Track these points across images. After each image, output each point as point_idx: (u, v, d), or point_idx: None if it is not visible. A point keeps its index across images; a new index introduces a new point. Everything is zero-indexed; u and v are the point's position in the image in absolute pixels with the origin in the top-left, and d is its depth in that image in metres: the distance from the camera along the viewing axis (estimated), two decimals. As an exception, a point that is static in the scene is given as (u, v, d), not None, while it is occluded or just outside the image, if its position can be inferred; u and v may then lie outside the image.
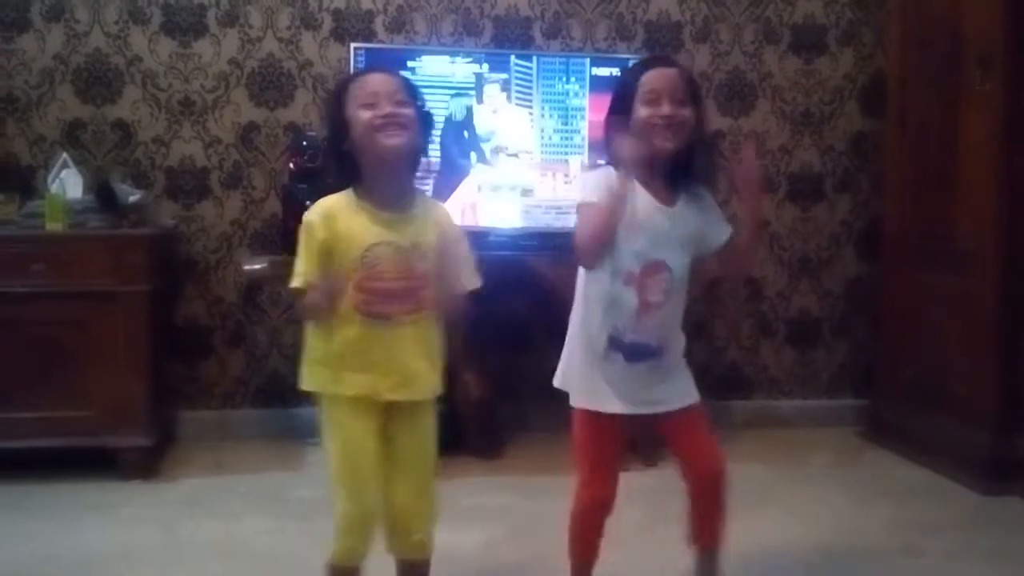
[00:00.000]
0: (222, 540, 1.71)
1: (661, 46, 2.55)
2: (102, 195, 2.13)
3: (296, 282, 1.20)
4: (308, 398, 2.65)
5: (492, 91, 2.35)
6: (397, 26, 2.47)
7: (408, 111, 1.20)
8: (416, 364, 1.22)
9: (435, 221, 1.25)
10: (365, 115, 1.19)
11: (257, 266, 2.24)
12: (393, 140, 1.19)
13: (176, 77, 2.40)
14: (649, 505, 1.73)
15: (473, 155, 2.35)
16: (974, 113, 2.13)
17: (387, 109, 1.18)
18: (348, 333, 1.20)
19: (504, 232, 2.36)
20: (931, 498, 2.01)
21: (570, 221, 2.34)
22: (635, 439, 1.33)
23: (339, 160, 1.23)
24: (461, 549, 1.62)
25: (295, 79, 2.44)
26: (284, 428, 2.42)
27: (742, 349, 2.66)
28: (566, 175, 2.38)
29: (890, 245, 2.49)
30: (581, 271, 1.28)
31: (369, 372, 1.20)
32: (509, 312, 2.43)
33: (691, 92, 1.23)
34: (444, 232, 1.24)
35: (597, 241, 1.19)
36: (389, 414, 1.24)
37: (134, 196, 2.20)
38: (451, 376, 2.26)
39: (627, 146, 1.17)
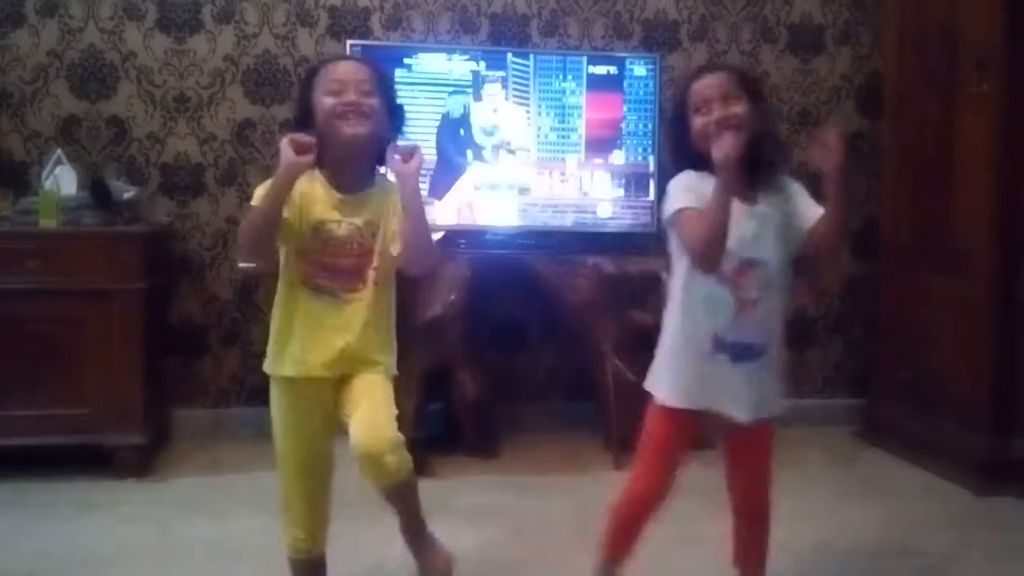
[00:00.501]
0: (216, 539, 1.71)
1: (658, 45, 2.55)
2: (96, 192, 2.12)
3: (253, 201, 1.19)
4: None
5: (489, 89, 2.34)
6: (394, 23, 2.46)
7: (371, 101, 1.22)
8: (356, 341, 1.23)
9: (391, 202, 1.25)
10: (328, 101, 1.21)
11: (252, 264, 2.23)
12: (352, 129, 1.21)
13: (171, 73, 2.39)
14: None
15: (469, 153, 2.35)
16: (971, 114, 2.13)
17: (350, 98, 1.21)
18: (297, 308, 1.22)
19: (501, 230, 2.36)
20: (927, 498, 2.01)
21: (567, 220, 2.38)
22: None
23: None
24: (457, 548, 1.61)
25: (291, 76, 2.43)
26: (279, 426, 2.41)
27: (738, 348, 2.66)
28: (563, 173, 2.38)
29: (886, 245, 2.50)
30: (675, 276, 1.28)
31: (314, 349, 1.22)
32: (506, 311, 2.43)
33: (743, 88, 1.23)
34: (395, 204, 1.24)
35: (714, 246, 1.18)
36: (338, 384, 1.24)
37: (128, 193, 2.18)
38: (448, 376, 2.28)
39: (724, 144, 1.16)
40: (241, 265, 2.28)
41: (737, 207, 1.21)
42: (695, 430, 1.29)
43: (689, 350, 1.26)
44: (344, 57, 1.34)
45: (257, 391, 2.47)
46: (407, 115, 1.36)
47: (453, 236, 2.30)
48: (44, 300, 1.99)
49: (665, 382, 1.28)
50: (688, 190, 1.23)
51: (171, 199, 2.41)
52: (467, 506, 1.87)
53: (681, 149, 1.26)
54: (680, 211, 1.22)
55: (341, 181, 1.24)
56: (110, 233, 2.06)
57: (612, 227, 2.40)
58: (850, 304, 2.68)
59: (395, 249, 1.22)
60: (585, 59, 2.39)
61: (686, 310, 1.26)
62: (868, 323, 2.62)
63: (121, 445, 2.03)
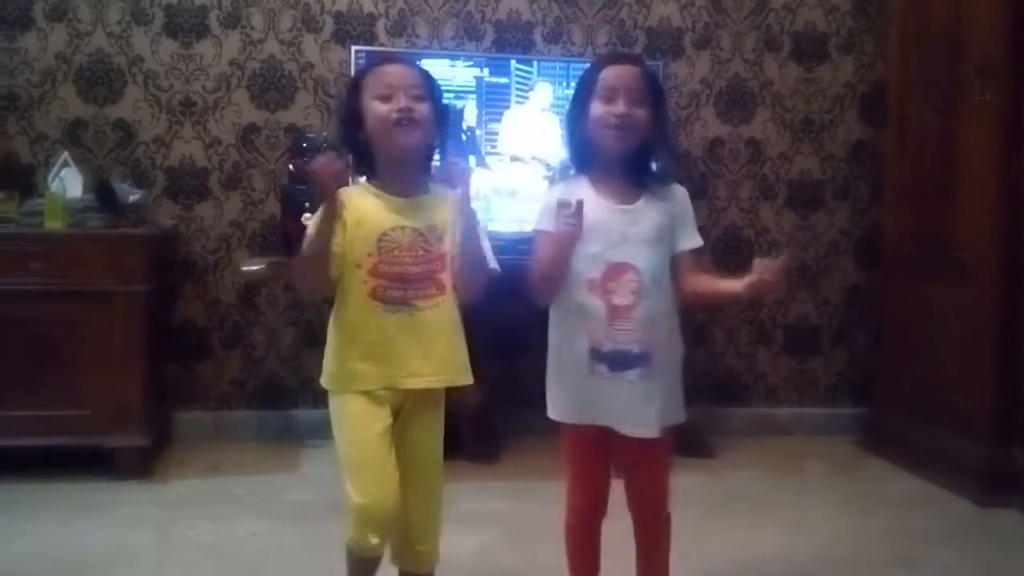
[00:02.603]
0: (216, 541, 1.71)
1: (662, 52, 2.55)
2: (102, 194, 2.13)
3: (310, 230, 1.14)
4: (305, 400, 2.65)
5: (493, 95, 2.35)
6: (399, 29, 2.48)
7: (423, 107, 1.19)
8: (438, 349, 1.19)
9: (451, 202, 1.22)
10: (381, 108, 1.18)
11: (255, 267, 2.24)
12: (406, 138, 1.18)
13: (177, 78, 2.40)
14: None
15: (472, 159, 2.36)
16: (974, 123, 2.13)
17: (402, 103, 1.17)
18: (367, 323, 1.17)
19: (503, 236, 2.36)
20: (928, 509, 2.00)
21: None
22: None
23: (354, 151, 1.22)
24: (457, 553, 1.61)
25: (296, 81, 2.44)
26: (280, 430, 2.42)
27: (740, 356, 2.66)
28: (566, 180, 2.39)
29: (889, 254, 2.49)
30: None
31: (386, 362, 1.17)
32: (506, 317, 2.43)
33: (651, 91, 1.19)
34: (457, 212, 1.22)
35: (546, 277, 1.16)
36: (403, 408, 1.21)
37: (134, 196, 2.20)
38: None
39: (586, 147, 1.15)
40: (244, 269, 2.28)
41: (609, 206, 1.18)
42: (605, 442, 1.22)
43: (568, 364, 1.21)
44: (392, 59, 1.27)
45: (258, 394, 2.48)
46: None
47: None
48: (48, 301, 2.00)
49: (552, 399, 1.24)
50: (550, 214, 1.17)
51: (176, 202, 2.43)
52: (466, 512, 1.86)
53: (573, 131, 1.21)
54: (537, 232, 1.20)
55: (395, 188, 1.21)
56: (115, 236, 2.08)
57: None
58: (852, 313, 2.67)
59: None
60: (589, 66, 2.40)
61: (561, 323, 1.22)
62: (870, 332, 2.61)
63: (122, 447, 2.03)
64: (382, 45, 2.44)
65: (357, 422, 1.19)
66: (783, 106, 2.63)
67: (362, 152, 1.22)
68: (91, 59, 2.37)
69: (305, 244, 1.16)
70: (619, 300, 1.17)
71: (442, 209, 1.22)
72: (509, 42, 2.51)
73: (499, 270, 1.23)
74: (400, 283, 1.18)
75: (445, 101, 1.26)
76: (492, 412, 2.29)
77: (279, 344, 2.46)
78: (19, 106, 2.35)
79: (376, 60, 1.30)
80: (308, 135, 2.33)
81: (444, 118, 1.24)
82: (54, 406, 2.00)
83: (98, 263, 2.03)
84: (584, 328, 1.19)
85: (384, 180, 1.22)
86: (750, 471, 2.27)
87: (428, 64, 2.29)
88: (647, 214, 1.20)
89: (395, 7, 2.47)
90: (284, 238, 2.22)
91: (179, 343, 2.41)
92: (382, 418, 1.19)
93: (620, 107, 1.16)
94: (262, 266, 2.21)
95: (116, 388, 2.03)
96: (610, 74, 1.18)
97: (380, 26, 2.47)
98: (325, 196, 1.14)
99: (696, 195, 2.58)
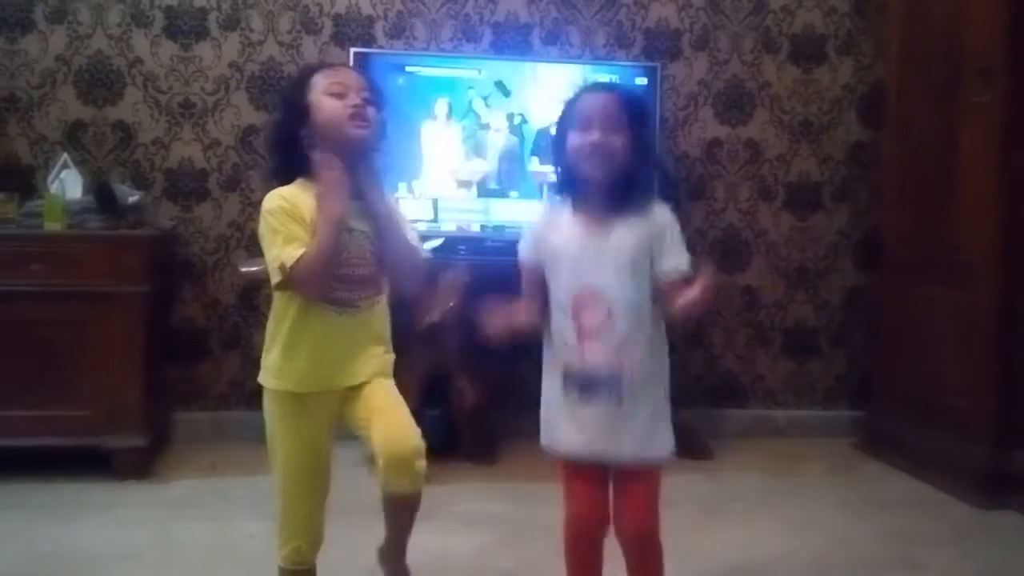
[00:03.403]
0: (214, 542, 1.71)
1: (660, 54, 2.55)
2: (101, 196, 2.14)
3: (294, 252, 1.16)
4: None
5: (485, 97, 2.35)
6: (397, 31, 2.48)
7: (372, 109, 1.23)
8: (371, 349, 1.23)
9: (387, 202, 1.28)
10: (335, 103, 1.20)
11: (254, 268, 2.24)
12: (361, 131, 1.21)
13: (177, 80, 2.41)
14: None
15: (471, 161, 2.36)
16: (973, 124, 2.13)
17: (356, 100, 1.21)
18: (313, 325, 1.20)
19: (499, 238, 2.36)
20: (927, 511, 2.00)
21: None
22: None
23: (287, 146, 1.23)
24: (454, 554, 1.62)
25: (295, 83, 2.45)
26: (279, 431, 2.42)
27: (738, 358, 2.65)
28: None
29: (888, 256, 2.49)
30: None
31: (326, 363, 1.21)
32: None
33: (628, 118, 1.19)
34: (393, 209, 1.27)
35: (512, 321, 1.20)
36: (347, 392, 1.24)
37: (133, 197, 2.21)
38: (446, 383, 2.28)
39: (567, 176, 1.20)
40: (243, 270, 2.29)
41: (582, 232, 1.19)
42: (592, 464, 1.21)
43: (547, 388, 1.23)
44: (340, 63, 1.33)
45: (257, 395, 2.46)
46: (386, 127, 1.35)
47: (453, 243, 2.31)
48: (47, 302, 2.01)
49: (542, 425, 1.25)
50: (531, 239, 1.23)
51: (175, 204, 2.43)
52: (463, 512, 1.87)
53: (557, 159, 1.24)
54: (520, 260, 1.24)
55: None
56: (114, 237, 2.08)
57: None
58: (851, 315, 2.67)
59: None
60: (587, 68, 2.40)
61: (545, 347, 1.24)
62: (869, 334, 2.61)
63: (121, 447, 2.04)
64: (380, 47, 2.45)
65: (288, 430, 1.22)
66: (781, 108, 2.63)
67: (296, 150, 1.22)
68: (91, 61, 2.38)
69: (324, 237, 1.16)
70: (588, 322, 1.18)
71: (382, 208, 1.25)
72: (507, 44, 2.51)
73: (431, 256, 1.29)
74: (347, 284, 1.21)
75: (384, 114, 1.30)
76: (490, 414, 2.29)
77: (278, 345, 2.47)
78: (19, 108, 2.36)
79: (323, 63, 1.34)
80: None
81: (384, 129, 1.29)
82: (53, 406, 2.01)
83: (97, 264, 2.03)
84: (559, 350, 1.21)
85: None
86: (748, 473, 2.27)
87: (426, 66, 2.35)
88: (621, 238, 1.20)
89: (393, 9, 2.47)
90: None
91: (178, 344, 2.42)
92: (316, 420, 1.22)
93: (594, 136, 1.18)
94: (261, 267, 2.21)
95: (115, 388, 2.03)
96: (586, 104, 1.21)
97: (379, 28, 2.48)
98: (337, 207, 1.17)
99: (694, 196, 2.59)
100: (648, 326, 1.20)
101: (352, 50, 2.35)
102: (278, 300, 1.24)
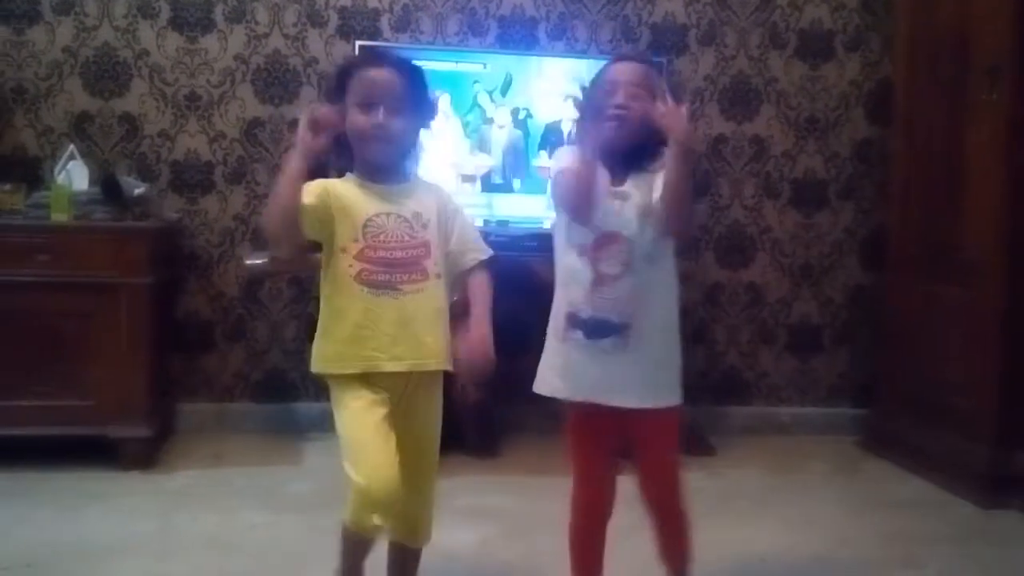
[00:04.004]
0: (218, 532, 1.72)
1: (666, 49, 2.54)
2: (107, 187, 2.14)
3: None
4: (307, 393, 2.67)
5: (491, 90, 2.35)
6: (403, 25, 2.48)
7: (399, 123, 1.21)
8: (422, 334, 1.22)
9: (434, 193, 1.27)
10: (360, 119, 1.21)
11: (259, 261, 2.26)
12: (376, 156, 1.23)
13: (183, 72, 2.41)
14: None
15: (476, 155, 2.35)
16: (981, 122, 2.11)
17: (378, 119, 1.20)
18: (352, 306, 1.20)
19: (505, 232, 2.36)
20: (929, 510, 2.00)
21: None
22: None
23: (337, 143, 1.24)
24: (456, 548, 1.62)
25: (300, 76, 2.45)
26: (283, 422, 2.43)
27: (741, 355, 2.65)
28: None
29: (894, 254, 2.48)
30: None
31: (369, 345, 1.20)
32: (507, 313, 2.43)
33: (652, 88, 1.24)
34: (444, 204, 1.27)
35: (580, 194, 1.20)
36: (405, 392, 1.23)
37: (139, 189, 2.21)
38: (449, 376, 2.28)
39: (590, 135, 1.24)
40: (248, 263, 2.30)
41: (605, 188, 1.23)
42: (606, 422, 1.23)
43: (551, 333, 1.25)
44: (377, 62, 1.26)
45: (261, 386, 2.50)
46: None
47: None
48: (54, 293, 2.02)
49: (540, 372, 1.27)
50: (569, 158, 1.25)
51: (180, 196, 2.44)
52: (466, 506, 1.87)
53: (585, 119, 1.30)
54: (559, 172, 1.26)
55: (378, 178, 1.25)
56: (120, 228, 2.09)
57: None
58: (856, 313, 2.66)
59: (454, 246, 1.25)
60: (593, 63, 2.39)
61: (556, 291, 1.27)
62: (874, 332, 2.60)
63: (126, 437, 2.05)
64: (386, 40, 2.45)
65: (356, 405, 1.20)
66: (788, 104, 2.62)
67: (346, 145, 1.24)
68: (97, 53, 2.38)
69: (287, 186, 1.17)
70: (606, 269, 1.22)
71: (427, 197, 1.26)
72: (513, 38, 2.51)
73: (495, 254, 1.29)
74: (385, 267, 1.21)
75: (429, 95, 1.28)
76: (492, 407, 2.29)
77: (282, 337, 2.48)
78: (26, 99, 2.36)
79: (364, 58, 1.34)
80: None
81: (426, 117, 1.28)
82: (59, 396, 2.02)
83: (103, 255, 2.04)
84: (569, 293, 1.24)
85: (365, 173, 1.25)
86: (751, 470, 2.27)
87: (432, 59, 2.35)
88: (634, 194, 1.25)
89: (399, 2, 2.47)
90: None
91: (183, 335, 2.43)
92: (380, 402, 1.21)
93: (618, 99, 1.22)
94: (265, 260, 2.23)
95: (120, 379, 2.04)
96: (614, 69, 1.27)
97: (384, 21, 2.47)
98: (303, 146, 1.16)
99: (699, 192, 2.58)
100: (664, 284, 1.25)
101: (357, 43, 2.35)
102: (325, 286, 1.24)
